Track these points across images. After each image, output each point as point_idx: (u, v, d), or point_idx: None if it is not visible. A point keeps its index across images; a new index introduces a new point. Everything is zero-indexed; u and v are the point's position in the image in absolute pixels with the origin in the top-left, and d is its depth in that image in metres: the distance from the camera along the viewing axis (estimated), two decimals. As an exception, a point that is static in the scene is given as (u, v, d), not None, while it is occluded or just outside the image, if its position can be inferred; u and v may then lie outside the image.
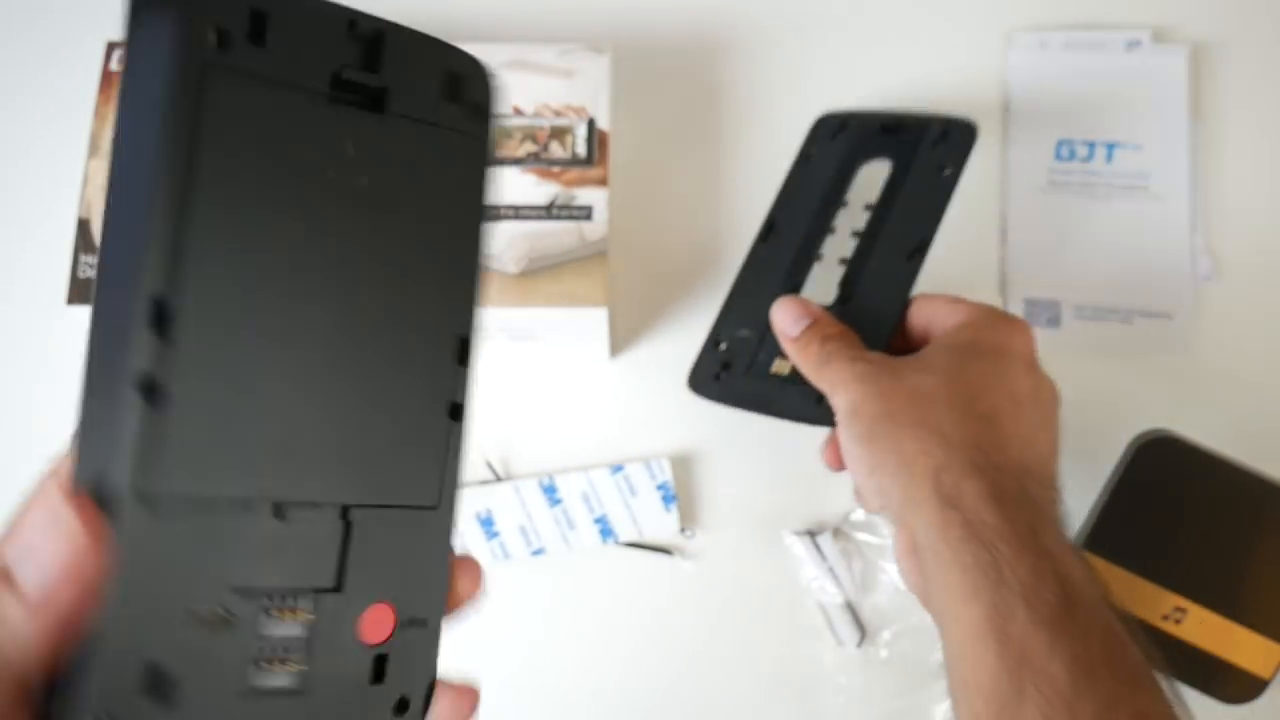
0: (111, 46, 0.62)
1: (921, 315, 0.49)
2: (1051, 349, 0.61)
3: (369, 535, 0.24)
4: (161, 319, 0.21)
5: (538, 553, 0.57)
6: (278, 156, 0.22)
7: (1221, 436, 0.55)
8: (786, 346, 0.50)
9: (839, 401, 0.45)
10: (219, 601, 0.22)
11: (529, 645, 0.57)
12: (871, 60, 0.66)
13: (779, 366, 0.56)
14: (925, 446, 0.41)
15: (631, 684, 0.56)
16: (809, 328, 0.49)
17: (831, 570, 0.56)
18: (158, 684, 0.21)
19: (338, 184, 0.23)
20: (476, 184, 0.25)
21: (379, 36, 0.23)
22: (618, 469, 0.58)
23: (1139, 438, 0.55)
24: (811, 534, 0.57)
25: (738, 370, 0.56)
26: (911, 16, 0.66)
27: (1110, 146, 0.62)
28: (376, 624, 0.24)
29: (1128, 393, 0.59)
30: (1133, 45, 0.64)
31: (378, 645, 0.24)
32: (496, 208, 0.27)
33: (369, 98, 0.23)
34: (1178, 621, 0.52)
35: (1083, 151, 0.63)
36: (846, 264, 0.56)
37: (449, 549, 0.25)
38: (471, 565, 0.28)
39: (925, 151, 0.58)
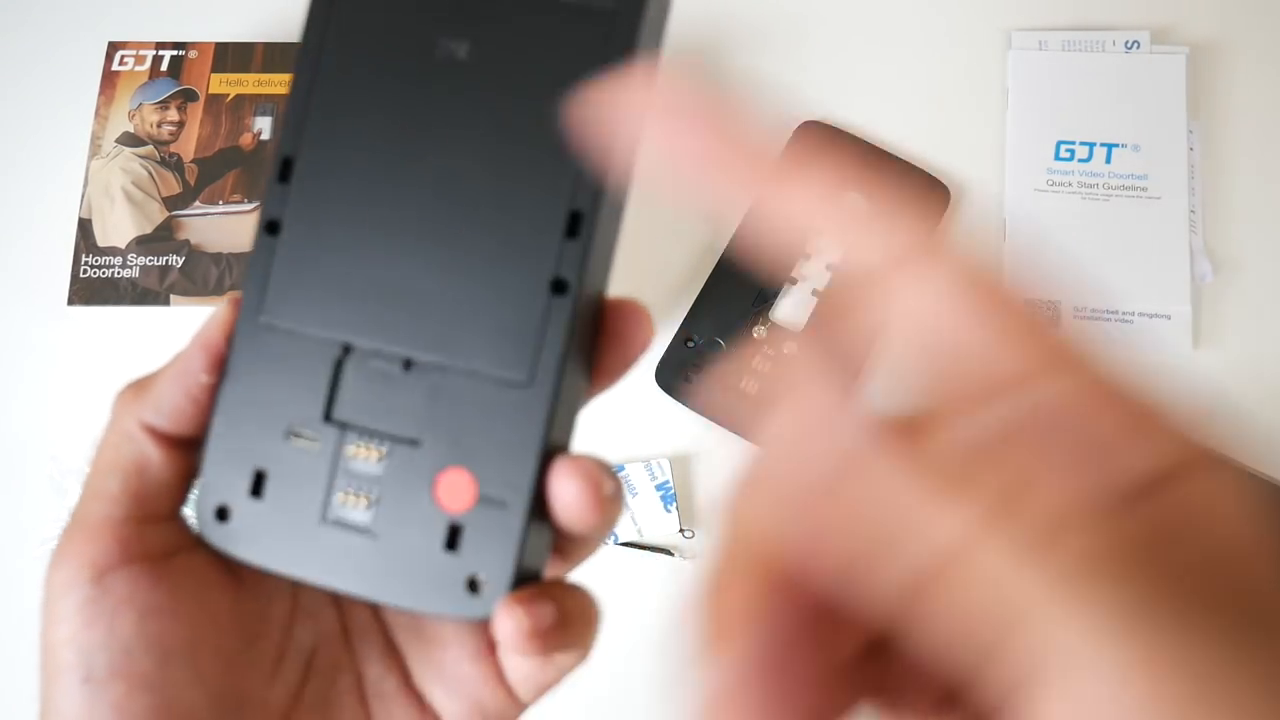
0: (112, 46, 0.62)
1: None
2: (1051, 349, 0.61)
3: (451, 397, 0.24)
4: (286, 173, 0.25)
5: (538, 552, 0.57)
6: (395, 42, 0.25)
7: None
8: None
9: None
10: (312, 425, 0.25)
11: (529, 645, 0.57)
12: (872, 61, 0.66)
13: (747, 385, 0.58)
14: None
15: (630, 684, 0.56)
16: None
17: (831, 570, 0.56)
18: (258, 488, 0.25)
19: (453, 60, 0.25)
20: (618, 60, 0.25)
21: None
22: (618, 469, 0.58)
23: (1138, 438, 0.55)
24: (811, 534, 0.57)
25: (708, 378, 0.58)
26: (911, 17, 0.67)
27: (1109, 147, 0.62)
28: (454, 490, 0.24)
29: (1127, 393, 0.59)
30: (1132, 46, 0.64)
31: (454, 514, 0.24)
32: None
33: None
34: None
35: (1082, 152, 0.63)
36: (819, 297, 0.59)
37: (540, 434, 0.24)
38: (583, 468, 0.23)
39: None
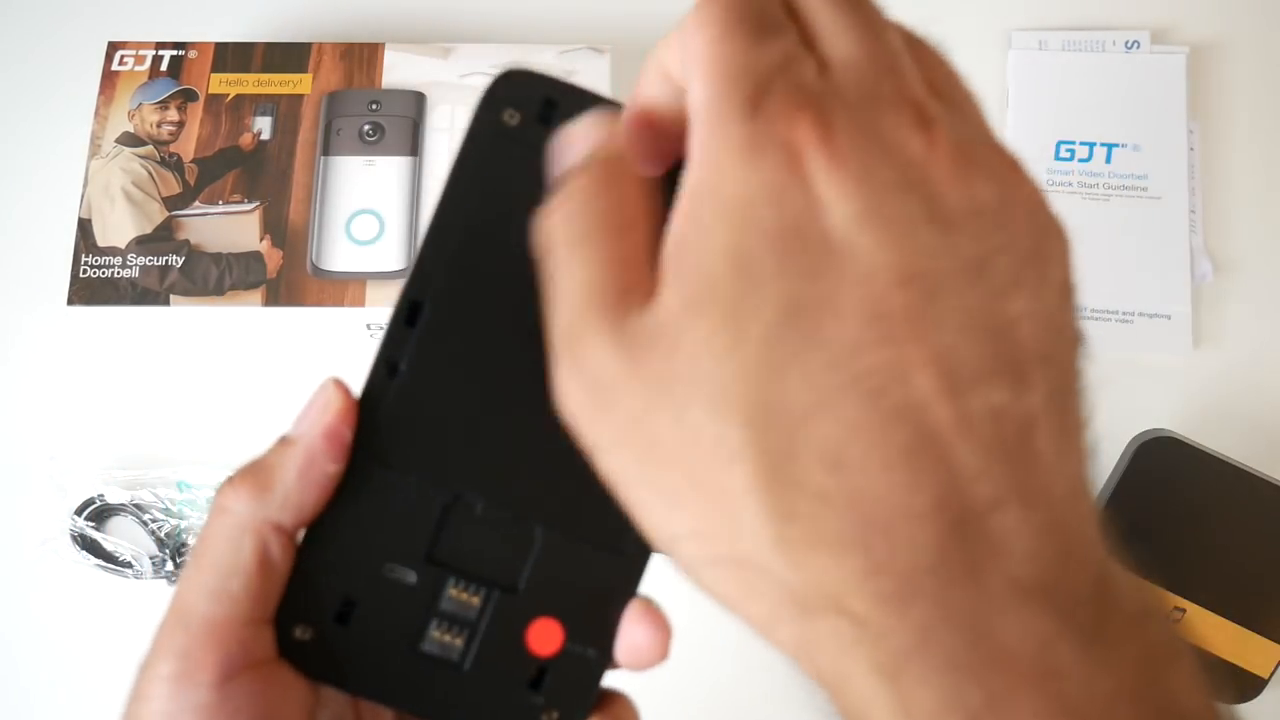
0: (112, 46, 0.62)
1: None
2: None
3: (556, 557, 0.26)
4: (412, 317, 0.26)
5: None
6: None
7: (1221, 437, 0.55)
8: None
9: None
10: (411, 564, 0.26)
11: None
12: (871, 61, 0.66)
13: None
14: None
15: (630, 684, 0.56)
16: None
17: (831, 570, 0.56)
18: (344, 615, 0.25)
19: None
20: None
21: None
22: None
23: (1139, 438, 0.55)
24: (811, 534, 0.57)
25: None
26: (911, 16, 0.66)
27: (1110, 147, 0.62)
28: (544, 637, 0.26)
29: (1128, 393, 0.59)
30: (1132, 46, 0.64)
31: (542, 657, 0.26)
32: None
33: None
34: (1176, 622, 0.53)
35: (1082, 152, 0.63)
36: None
37: (631, 596, 0.27)
38: (657, 618, 0.27)
39: None
